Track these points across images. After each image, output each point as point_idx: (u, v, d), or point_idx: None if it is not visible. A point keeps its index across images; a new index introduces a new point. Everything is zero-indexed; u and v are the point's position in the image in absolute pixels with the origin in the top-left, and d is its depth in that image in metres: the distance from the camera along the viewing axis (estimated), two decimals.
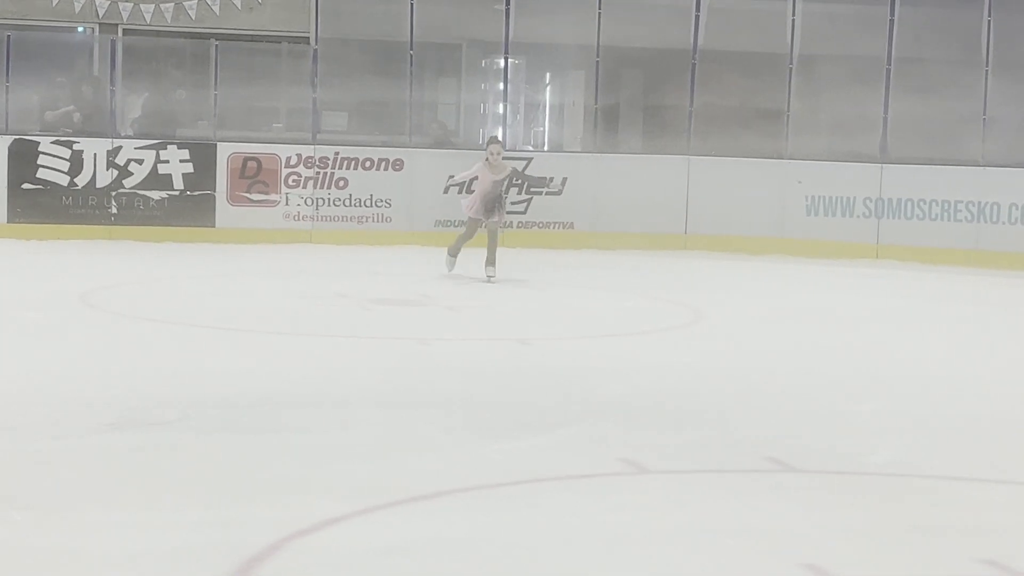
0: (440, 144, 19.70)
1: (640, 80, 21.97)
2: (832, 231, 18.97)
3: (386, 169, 18.74)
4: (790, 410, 8.67)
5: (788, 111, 19.71)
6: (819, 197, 19.07)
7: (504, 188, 15.26)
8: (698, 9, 19.80)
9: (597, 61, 19.82)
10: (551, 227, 19.05)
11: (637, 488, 6.70)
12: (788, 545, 5.76)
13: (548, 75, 22.78)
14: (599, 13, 19.59)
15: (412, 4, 19.27)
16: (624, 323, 12.60)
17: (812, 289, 15.67)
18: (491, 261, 14.84)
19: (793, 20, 19.71)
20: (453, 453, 7.23)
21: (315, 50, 19.15)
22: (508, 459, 7.12)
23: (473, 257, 15.03)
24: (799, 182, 19.15)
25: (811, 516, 6.20)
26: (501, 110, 20.99)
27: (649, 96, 21.91)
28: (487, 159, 14.94)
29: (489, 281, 14.69)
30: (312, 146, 18.67)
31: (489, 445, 7.39)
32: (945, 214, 18.57)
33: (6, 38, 18.28)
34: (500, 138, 16.29)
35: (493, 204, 14.89)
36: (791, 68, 19.71)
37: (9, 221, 17.81)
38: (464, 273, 15.06)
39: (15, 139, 17.82)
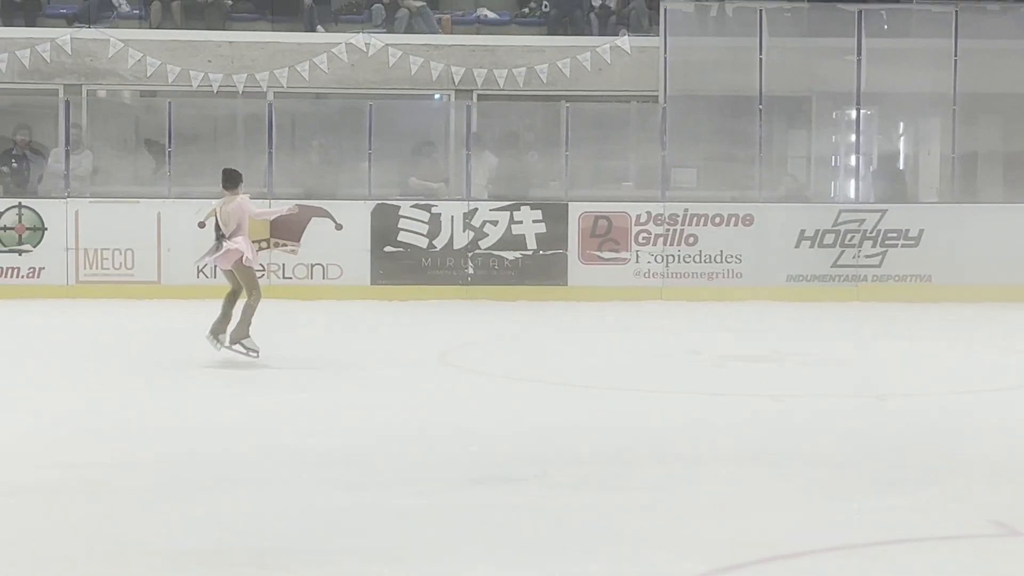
0: (791, 198, 19.48)
1: (999, 126, 21.22)
2: None
3: (736, 225, 18.64)
4: None
5: None
6: None
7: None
8: None
9: (954, 109, 19.26)
10: (907, 280, 18.55)
11: (1009, 551, 6.41)
12: None
13: (901, 124, 22.25)
14: (955, 60, 19.04)
15: (761, 58, 19.20)
16: (987, 378, 12.12)
17: None
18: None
19: None
20: (810, 512, 7.09)
21: (664, 107, 19.27)
22: (868, 519, 6.92)
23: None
24: None
25: None
26: (853, 162, 20.62)
27: (1010, 143, 21.12)
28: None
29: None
30: (661, 203, 18.74)
31: (847, 504, 7.21)
32: None
33: (368, 108, 19.07)
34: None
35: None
36: None
37: (372, 283, 18.48)
38: (814, 328, 14.76)
39: (378, 204, 18.52)
